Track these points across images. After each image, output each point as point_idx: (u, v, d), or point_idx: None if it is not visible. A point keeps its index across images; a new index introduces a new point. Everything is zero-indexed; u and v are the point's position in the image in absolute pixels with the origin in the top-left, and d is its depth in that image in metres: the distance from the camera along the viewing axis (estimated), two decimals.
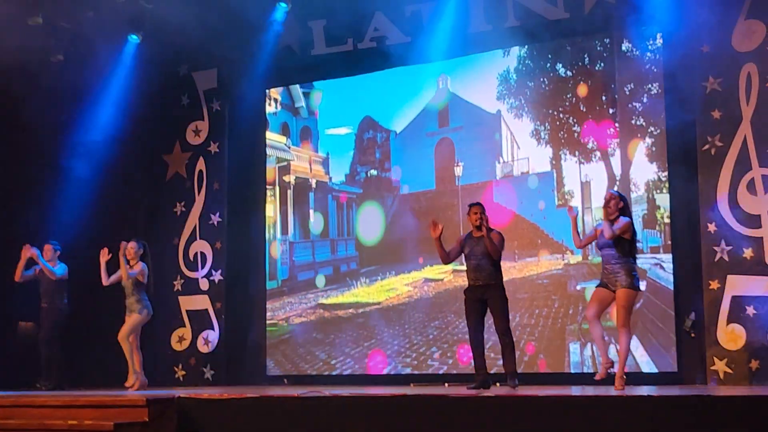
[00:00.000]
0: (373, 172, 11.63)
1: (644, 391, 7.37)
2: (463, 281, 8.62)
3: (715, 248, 9.05)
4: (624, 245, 7.89)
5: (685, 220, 9.48)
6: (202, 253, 11.56)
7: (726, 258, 9.00)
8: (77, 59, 10.96)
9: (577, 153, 10.34)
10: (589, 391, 7.72)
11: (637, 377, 9.22)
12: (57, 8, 10.52)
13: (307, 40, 11.28)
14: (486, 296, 8.29)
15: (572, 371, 9.81)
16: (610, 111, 10.15)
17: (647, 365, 9.53)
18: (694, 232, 9.30)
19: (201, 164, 11.73)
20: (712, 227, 9.08)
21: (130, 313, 9.84)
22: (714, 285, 9.01)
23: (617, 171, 10.07)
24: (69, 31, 10.82)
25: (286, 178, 12.06)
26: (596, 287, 8.12)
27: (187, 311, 11.52)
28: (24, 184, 11.46)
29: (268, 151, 12.01)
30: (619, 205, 8.00)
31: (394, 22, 10.84)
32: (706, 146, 9.19)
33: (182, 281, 11.61)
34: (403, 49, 10.79)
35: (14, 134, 11.13)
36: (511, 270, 10.19)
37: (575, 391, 7.65)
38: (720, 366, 8.88)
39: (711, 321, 9.00)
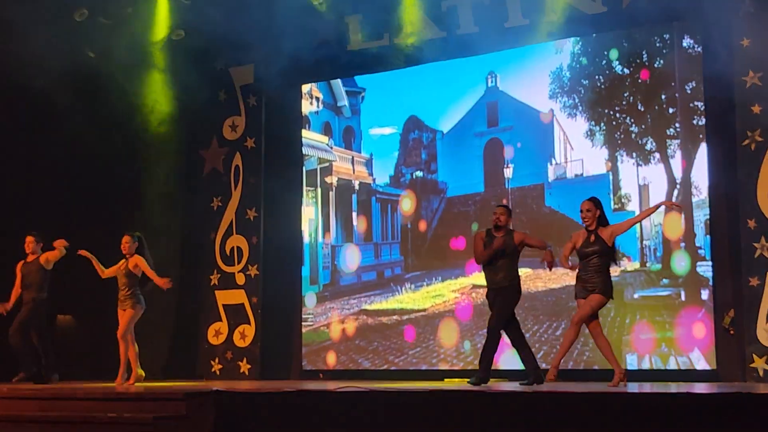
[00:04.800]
0: (419, 173, 11.70)
1: (683, 388, 7.31)
2: None
3: (755, 245, 9.14)
4: (609, 255, 7.82)
5: (725, 217, 9.40)
6: (238, 247, 11.71)
7: (766, 254, 9.02)
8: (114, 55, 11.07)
9: (634, 155, 10.41)
10: (623, 388, 7.66)
11: (674, 374, 9.16)
12: (96, 3, 10.61)
13: (343, 36, 11.29)
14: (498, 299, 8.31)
15: None
16: (670, 110, 9.99)
17: (684, 363, 9.43)
18: (733, 228, 9.24)
19: (237, 159, 11.97)
20: (751, 223, 9.16)
21: (123, 309, 9.74)
22: (754, 282, 9.09)
23: (677, 174, 10.15)
24: (107, 27, 10.92)
25: (328, 180, 12.21)
26: (578, 301, 8.35)
27: (223, 305, 11.72)
28: (61, 180, 11.57)
29: (310, 151, 12.14)
30: (596, 214, 7.90)
31: (431, 17, 10.87)
32: (746, 141, 9.30)
33: (219, 276, 11.85)
34: (440, 44, 10.95)
35: (48, 130, 11.28)
36: (563, 277, 10.34)
37: (603, 388, 7.58)
38: (759, 363, 8.99)
39: (750, 318, 8.99)
